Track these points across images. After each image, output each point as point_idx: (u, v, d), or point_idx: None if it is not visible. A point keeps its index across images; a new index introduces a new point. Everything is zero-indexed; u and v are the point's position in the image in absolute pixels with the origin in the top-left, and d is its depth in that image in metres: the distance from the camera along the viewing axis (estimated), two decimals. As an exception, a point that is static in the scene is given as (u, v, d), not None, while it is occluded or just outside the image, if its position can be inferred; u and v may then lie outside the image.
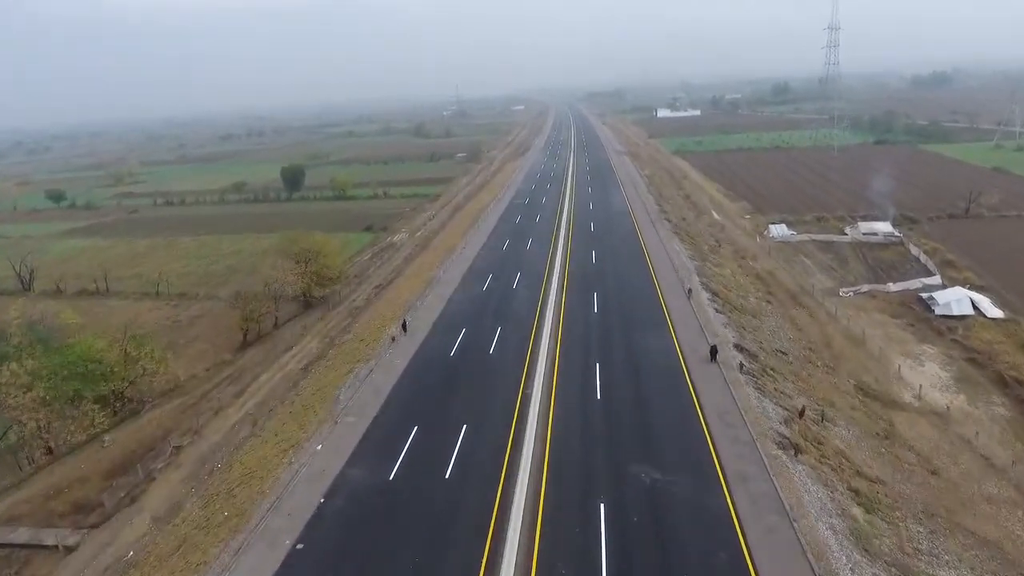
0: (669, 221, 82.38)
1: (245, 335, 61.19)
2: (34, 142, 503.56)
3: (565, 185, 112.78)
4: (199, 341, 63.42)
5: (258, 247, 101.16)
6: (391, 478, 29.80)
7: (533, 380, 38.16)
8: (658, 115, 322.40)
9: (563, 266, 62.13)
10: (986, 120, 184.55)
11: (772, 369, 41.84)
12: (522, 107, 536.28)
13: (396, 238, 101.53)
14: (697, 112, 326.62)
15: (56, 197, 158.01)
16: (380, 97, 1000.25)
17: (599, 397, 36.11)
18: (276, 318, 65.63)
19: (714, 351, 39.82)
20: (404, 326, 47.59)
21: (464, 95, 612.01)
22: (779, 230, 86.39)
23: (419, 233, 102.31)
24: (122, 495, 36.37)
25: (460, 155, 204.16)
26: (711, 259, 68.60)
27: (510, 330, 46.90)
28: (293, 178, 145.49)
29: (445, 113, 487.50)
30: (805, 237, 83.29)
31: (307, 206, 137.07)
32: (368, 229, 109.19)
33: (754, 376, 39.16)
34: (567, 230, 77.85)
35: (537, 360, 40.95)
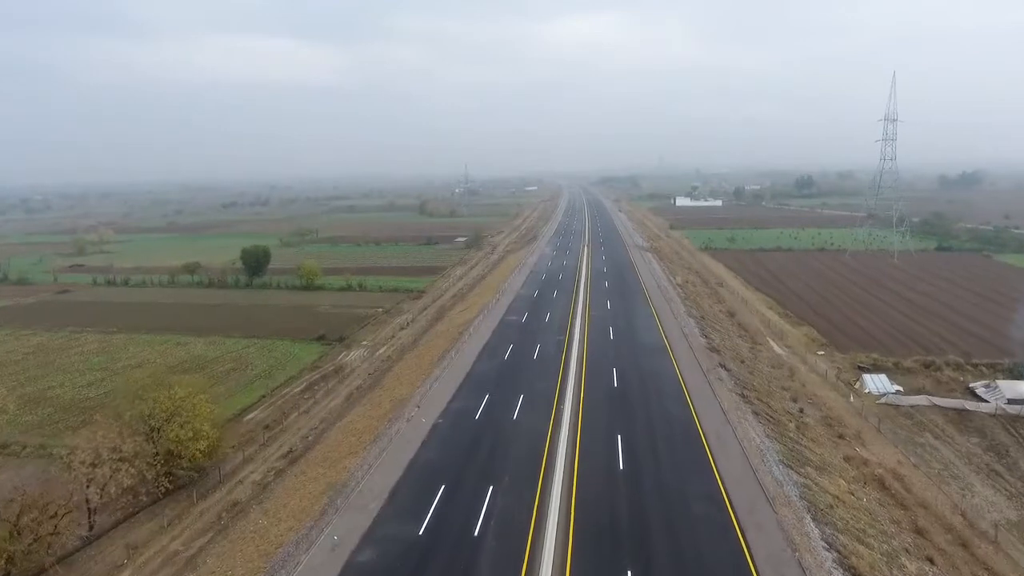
0: (726, 368, 57.01)
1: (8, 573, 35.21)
2: (40, 201, 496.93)
3: (576, 295, 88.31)
4: (-57, 567, 37.32)
5: (172, 358, 76.97)
6: None
7: None
8: (677, 203, 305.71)
9: (569, 473, 36.25)
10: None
11: None
12: (535, 187, 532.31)
13: (351, 356, 76.85)
14: (719, 202, 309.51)
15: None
16: (397, 172, 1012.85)
17: None
18: (92, 523, 39.95)
19: None
20: None
21: (480, 175, 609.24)
22: (878, 383, 60.78)
23: (381, 351, 77.70)
24: None
25: (460, 239, 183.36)
26: (807, 452, 42.77)
27: None
28: (255, 262, 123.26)
29: (456, 191, 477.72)
30: (921, 400, 57.41)
31: (264, 296, 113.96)
32: (321, 338, 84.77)
33: None
34: (577, 382, 52.37)
35: None
